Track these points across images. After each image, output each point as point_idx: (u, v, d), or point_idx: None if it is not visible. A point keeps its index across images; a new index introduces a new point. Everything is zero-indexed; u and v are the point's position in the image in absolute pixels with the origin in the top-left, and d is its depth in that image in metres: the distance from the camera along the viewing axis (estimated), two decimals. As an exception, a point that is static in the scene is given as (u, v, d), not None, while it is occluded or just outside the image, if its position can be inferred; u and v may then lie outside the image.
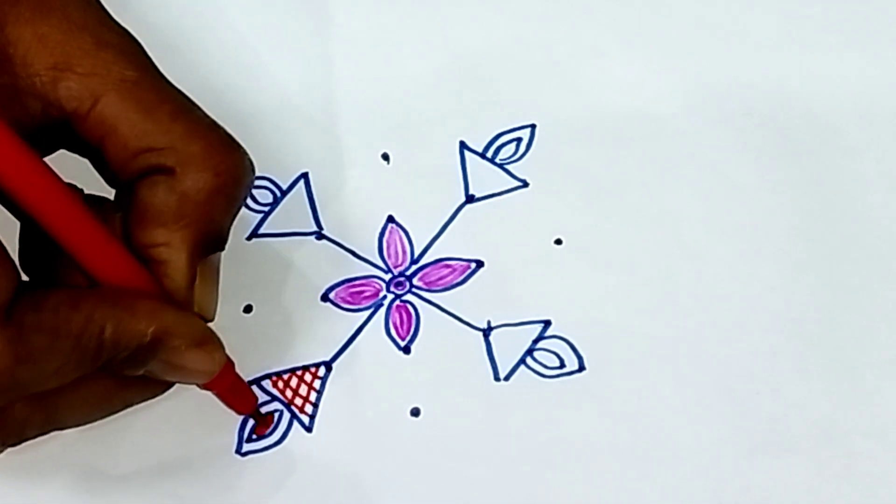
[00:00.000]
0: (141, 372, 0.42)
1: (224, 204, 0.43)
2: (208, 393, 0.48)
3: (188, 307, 0.43)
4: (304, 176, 0.53)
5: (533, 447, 0.48)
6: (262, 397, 0.49)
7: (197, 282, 0.43)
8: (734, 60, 0.55)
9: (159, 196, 0.42)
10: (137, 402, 0.44)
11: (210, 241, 0.43)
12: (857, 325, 0.49)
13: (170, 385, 0.45)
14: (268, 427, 0.49)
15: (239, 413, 0.49)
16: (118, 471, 0.48)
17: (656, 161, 0.53)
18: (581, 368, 0.49)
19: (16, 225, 0.42)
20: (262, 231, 0.52)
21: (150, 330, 0.41)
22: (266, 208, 0.52)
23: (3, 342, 0.38)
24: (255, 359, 0.50)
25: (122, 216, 0.43)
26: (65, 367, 0.39)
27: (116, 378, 0.42)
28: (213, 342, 0.43)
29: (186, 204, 0.42)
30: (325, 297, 0.51)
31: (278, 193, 0.53)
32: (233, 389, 0.47)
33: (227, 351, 0.47)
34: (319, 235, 0.52)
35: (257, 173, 0.51)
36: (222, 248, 0.44)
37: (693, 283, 0.50)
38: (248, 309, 0.51)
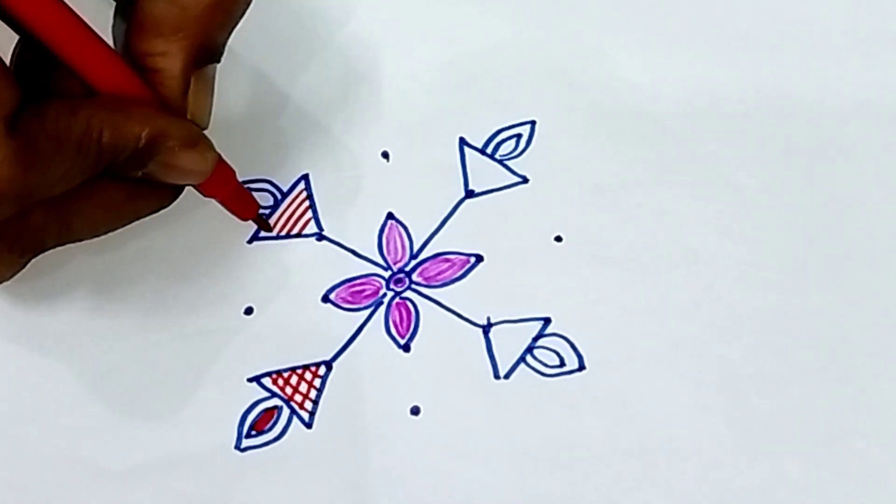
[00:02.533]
0: (140, 173, 0.44)
1: (221, 18, 0.45)
2: (206, 387, 0.49)
3: (182, 114, 0.45)
4: (305, 177, 0.53)
5: (533, 446, 0.48)
6: (261, 394, 0.49)
7: (191, 90, 0.45)
8: (734, 60, 0.55)
9: (160, 7, 0.44)
10: (146, 213, 0.47)
11: (206, 53, 0.45)
12: (857, 325, 0.50)
13: (176, 195, 0.47)
14: (269, 230, 0.52)
15: (242, 219, 0.51)
16: (118, 467, 0.48)
17: (656, 160, 0.53)
18: (581, 367, 0.49)
19: (11, 41, 0.44)
20: (263, 234, 0.52)
21: (145, 133, 0.43)
22: (267, 211, 0.52)
23: (11, 151, 0.40)
24: (255, 360, 0.50)
25: (121, 28, 0.45)
26: (70, 171, 0.42)
27: (125, 187, 0.45)
28: (204, 143, 0.46)
29: (185, 16, 0.44)
30: (325, 299, 0.51)
31: (279, 196, 0.53)
32: (235, 196, 0.50)
33: (228, 354, 0.47)
34: (320, 237, 0.52)
35: (258, 176, 0.52)
36: (218, 61, 0.46)
37: (693, 282, 0.51)
38: (248, 311, 0.51)
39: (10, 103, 0.40)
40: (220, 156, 0.47)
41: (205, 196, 0.49)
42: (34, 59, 0.44)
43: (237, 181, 0.49)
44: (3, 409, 0.49)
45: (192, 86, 0.45)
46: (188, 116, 0.46)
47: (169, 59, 0.44)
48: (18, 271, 0.45)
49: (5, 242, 0.44)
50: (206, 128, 0.47)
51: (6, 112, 0.40)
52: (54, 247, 0.45)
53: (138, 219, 0.47)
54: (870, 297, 0.50)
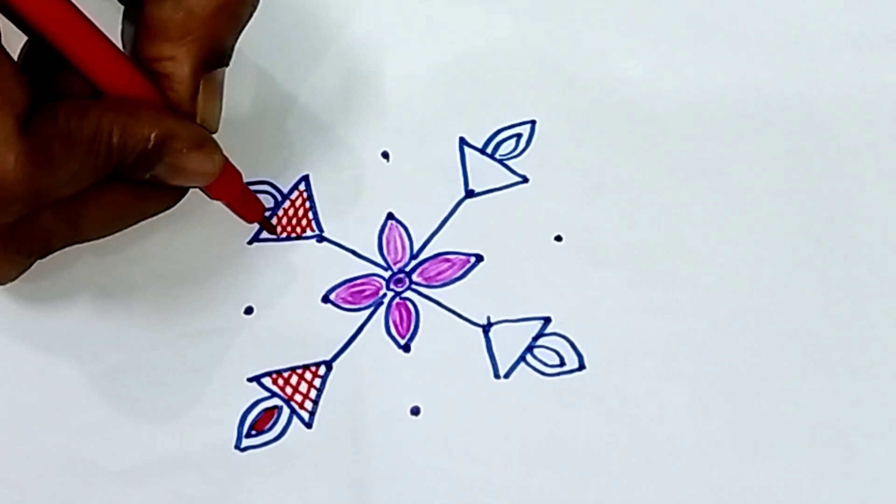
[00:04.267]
0: (148, 175, 0.45)
1: (228, 20, 0.45)
2: (206, 387, 0.49)
3: (191, 118, 0.46)
4: (305, 178, 0.53)
5: (533, 446, 0.48)
6: (261, 393, 0.49)
7: (200, 94, 0.45)
8: (734, 60, 0.55)
9: (166, 11, 0.44)
10: (151, 214, 0.47)
11: (214, 57, 0.45)
12: (857, 325, 0.49)
13: (181, 196, 0.47)
14: (274, 232, 0.52)
15: (248, 221, 0.51)
16: (117, 467, 0.48)
17: (656, 160, 0.53)
18: (581, 367, 0.49)
19: (19, 42, 0.44)
20: (263, 236, 0.52)
21: (153, 134, 0.43)
22: (267, 212, 0.52)
23: (24, 151, 0.40)
24: (256, 360, 0.50)
25: (130, 32, 0.45)
26: (80, 172, 0.42)
27: (132, 189, 0.45)
28: (211, 145, 0.46)
29: (192, 20, 0.44)
30: (325, 299, 0.51)
31: (279, 197, 0.53)
32: (241, 199, 0.50)
33: (228, 353, 0.47)
34: (320, 238, 0.52)
35: (258, 178, 0.52)
36: (226, 64, 0.46)
37: (693, 282, 0.50)
38: (248, 311, 0.51)
39: (23, 103, 0.40)
40: (226, 158, 0.47)
41: (211, 198, 0.49)
42: (41, 60, 0.44)
43: (243, 184, 0.49)
44: (3, 409, 0.49)
45: (201, 90, 0.45)
46: (198, 121, 0.46)
47: (177, 63, 0.44)
48: (24, 272, 0.45)
49: (14, 244, 0.44)
50: (215, 131, 0.47)
51: (19, 111, 0.40)
52: (61, 248, 0.45)
53: (144, 219, 0.47)
54: (869, 297, 0.50)
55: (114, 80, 0.44)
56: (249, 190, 0.51)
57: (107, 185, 0.44)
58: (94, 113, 0.42)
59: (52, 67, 0.44)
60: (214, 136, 0.47)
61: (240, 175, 0.49)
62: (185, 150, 0.44)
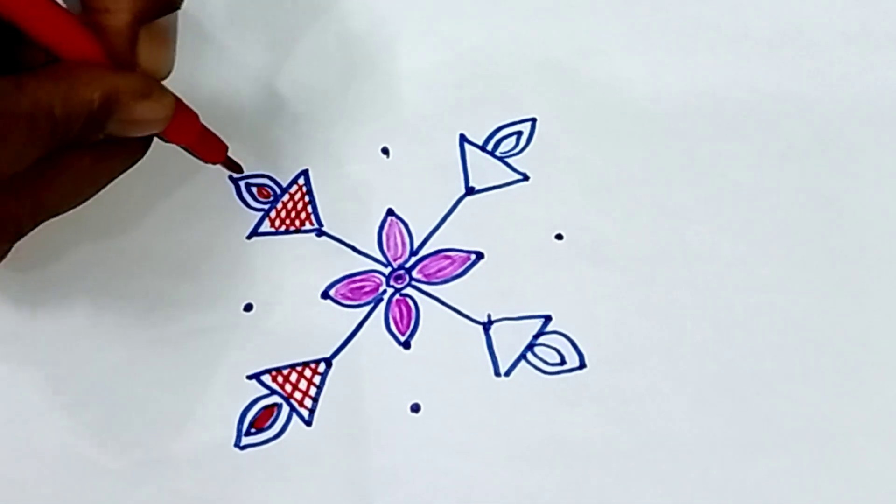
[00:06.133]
0: (101, 136, 0.43)
1: None
2: (206, 385, 0.49)
3: (132, 68, 0.44)
4: (305, 173, 0.53)
5: (533, 444, 0.48)
6: (260, 391, 0.49)
7: (141, 44, 0.44)
8: (734, 60, 0.55)
9: None
10: (119, 172, 0.45)
11: (156, 6, 0.44)
12: (857, 325, 0.50)
13: (146, 147, 0.46)
14: (239, 171, 0.51)
15: (210, 162, 0.50)
16: (117, 465, 0.48)
17: (656, 160, 0.53)
18: (581, 365, 0.49)
19: None
20: (262, 230, 0.52)
21: (96, 95, 0.42)
22: (266, 206, 0.53)
23: None
24: (255, 357, 0.50)
25: None
26: (24, 148, 0.40)
27: (92, 152, 0.44)
28: (159, 91, 0.44)
29: None
30: (325, 295, 0.51)
31: (278, 191, 0.53)
32: (201, 140, 0.48)
33: (228, 351, 0.47)
34: (320, 232, 0.52)
35: (257, 171, 0.51)
36: (176, 9, 0.45)
37: (693, 282, 0.51)
38: (248, 308, 0.51)
39: None
40: (179, 101, 0.45)
41: (168, 142, 0.47)
42: None
43: (201, 124, 0.48)
44: (3, 408, 0.49)
45: (141, 39, 0.44)
46: (142, 69, 0.44)
47: (112, 15, 0.43)
48: (2, 259, 0.44)
49: None
50: (163, 78, 0.45)
51: None
52: (33, 228, 0.44)
53: (113, 179, 0.45)
54: (869, 297, 0.50)
55: (58, 39, 0.42)
56: (209, 130, 0.49)
57: (64, 153, 0.43)
58: (30, 87, 0.41)
59: (8, 39, 0.42)
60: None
61: (196, 116, 0.47)
62: (131, 102, 0.43)
